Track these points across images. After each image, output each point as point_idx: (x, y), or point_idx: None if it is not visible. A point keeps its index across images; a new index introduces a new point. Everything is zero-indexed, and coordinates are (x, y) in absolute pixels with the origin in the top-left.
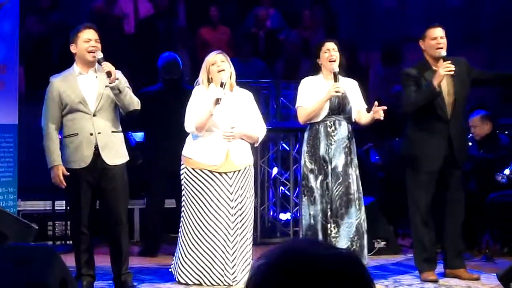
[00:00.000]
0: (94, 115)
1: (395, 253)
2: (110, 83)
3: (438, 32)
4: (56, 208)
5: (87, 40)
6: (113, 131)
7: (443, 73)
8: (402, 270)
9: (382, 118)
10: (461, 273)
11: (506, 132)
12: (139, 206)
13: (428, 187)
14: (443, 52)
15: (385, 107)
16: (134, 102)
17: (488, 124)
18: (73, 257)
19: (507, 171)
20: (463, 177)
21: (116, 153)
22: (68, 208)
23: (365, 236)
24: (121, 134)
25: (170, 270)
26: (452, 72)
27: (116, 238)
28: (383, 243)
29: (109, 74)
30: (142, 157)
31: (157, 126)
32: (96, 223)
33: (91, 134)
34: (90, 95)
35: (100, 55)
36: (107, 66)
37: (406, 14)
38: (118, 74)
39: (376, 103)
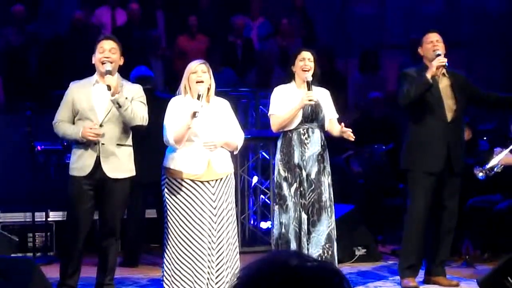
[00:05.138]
0: (101, 125)
1: (375, 260)
2: (111, 96)
3: (433, 36)
4: (36, 219)
5: (101, 51)
6: (118, 144)
7: (436, 64)
8: (383, 276)
9: (352, 139)
10: (441, 280)
11: (485, 138)
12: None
13: (427, 191)
14: (439, 52)
15: (350, 129)
16: (136, 118)
17: (467, 131)
18: (53, 268)
19: (490, 165)
20: (459, 185)
21: (118, 167)
22: (66, 215)
23: (335, 244)
24: (129, 148)
25: (162, 282)
26: (444, 63)
27: (106, 249)
28: (363, 250)
29: (108, 87)
30: None
31: (135, 136)
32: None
33: (95, 144)
34: (100, 104)
35: (108, 67)
36: (108, 79)
37: (384, 21)
38: (132, 88)
39: (342, 124)
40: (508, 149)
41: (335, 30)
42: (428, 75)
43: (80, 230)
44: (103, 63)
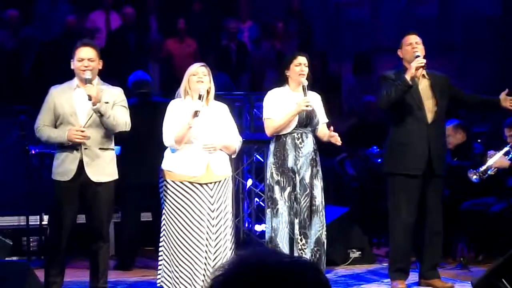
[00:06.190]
0: None
1: (370, 262)
2: (92, 106)
3: (412, 38)
4: (30, 223)
5: (80, 59)
6: (101, 148)
7: (415, 65)
8: (377, 279)
9: (339, 144)
10: (435, 283)
11: (479, 140)
12: (114, 220)
13: (410, 193)
14: (418, 53)
15: (337, 134)
16: (119, 125)
17: (461, 133)
18: None
19: (483, 167)
20: (442, 187)
21: (101, 170)
22: (48, 218)
23: (323, 248)
24: (111, 152)
25: (158, 285)
26: (423, 64)
27: (96, 252)
28: (358, 252)
29: (89, 97)
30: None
31: (131, 139)
32: (75, 237)
33: (78, 148)
34: (82, 109)
35: (88, 75)
36: (88, 89)
37: (378, 24)
38: (113, 92)
39: (331, 128)
40: (502, 152)
41: (328, 33)
42: (408, 77)
43: (62, 234)
44: (82, 71)
